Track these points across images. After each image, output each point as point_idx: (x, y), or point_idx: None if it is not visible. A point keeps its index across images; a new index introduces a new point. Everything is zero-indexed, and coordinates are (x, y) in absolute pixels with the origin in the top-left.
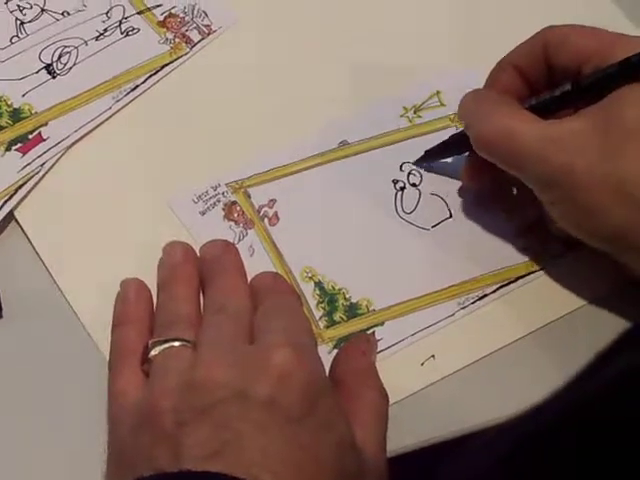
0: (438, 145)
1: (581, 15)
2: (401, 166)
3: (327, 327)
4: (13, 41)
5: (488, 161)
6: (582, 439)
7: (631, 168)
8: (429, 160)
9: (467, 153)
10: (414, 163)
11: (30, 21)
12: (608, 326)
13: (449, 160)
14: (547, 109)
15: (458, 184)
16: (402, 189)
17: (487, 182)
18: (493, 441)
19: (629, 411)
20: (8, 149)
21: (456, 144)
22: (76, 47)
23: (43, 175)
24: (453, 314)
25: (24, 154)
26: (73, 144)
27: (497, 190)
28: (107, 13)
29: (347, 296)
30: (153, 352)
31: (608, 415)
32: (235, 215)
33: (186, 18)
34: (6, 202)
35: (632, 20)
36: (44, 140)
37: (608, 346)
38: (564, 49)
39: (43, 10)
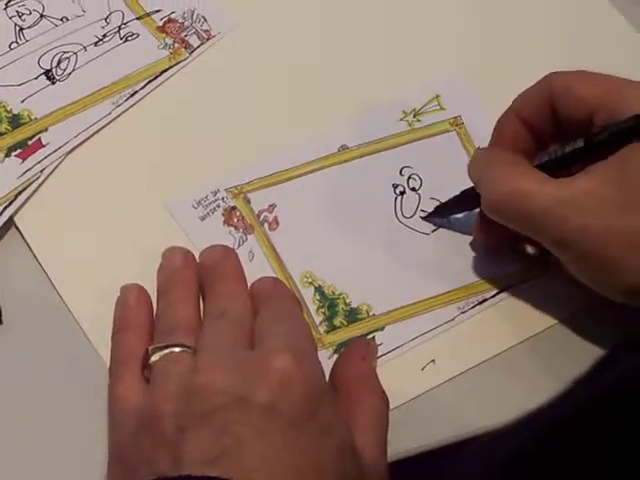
0: (449, 200)
1: (581, 20)
2: (401, 170)
3: (327, 332)
4: (12, 47)
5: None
6: (578, 445)
7: None
8: (440, 215)
9: (479, 209)
10: (424, 218)
11: (29, 27)
12: (607, 331)
13: (460, 215)
14: (558, 166)
15: (457, 189)
16: (402, 193)
17: (500, 237)
18: (490, 447)
19: (625, 418)
20: (8, 155)
21: (468, 200)
22: (75, 53)
23: (43, 181)
24: (453, 319)
25: (24, 160)
26: (73, 150)
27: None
28: (106, 19)
29: (347, 301)
30: (154, 358)
31: (604, 422)
32: (235, 220)
33: (185, 23)
34: (6, 208)
35: (633, 24)
36: (44, 146)
37: (605, 353)
38: (570, 99)
39: (42, 16)
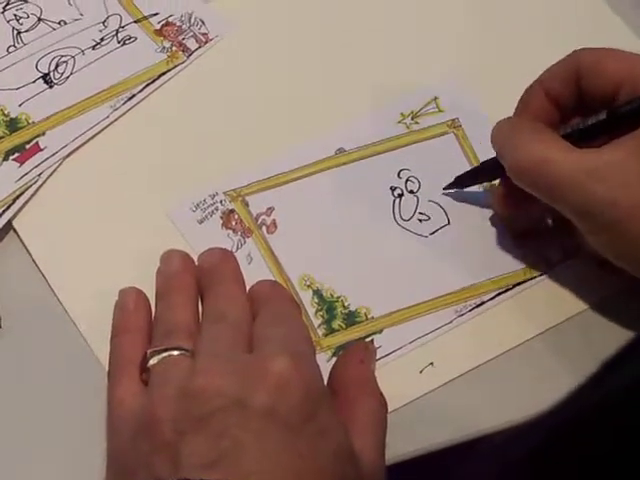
0: (468, 171)
1: (580, 23)
2: (399, 173)
3: (325, 335)
4: (10, 51)
5: (521, 189)
6: (590, 447)
7: None
8: (459, 186)
9: (498, 181)
10: (444, 189)
11: (27, 30)
12: (607, 333)
13: (479, 188)
14: (582, 137)
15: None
16: (400, 196)
17: (520, 210)
18: (503, 446)
19: (635, 420)
20: (5, 159)
21: (487, 171)
22: (73, 56)
23: (41, 185)
24: (451, 321)
25: (21, 164)
26: (70, 153)
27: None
28: (104, 22)
29: (346, 304)
30: (152, 361)
31: (612, 424)
32: (233, 223)
33: (183, 26)
34: (4, 212)
35: (632, 28)
36: (41, 150)
37: (611, 356)
38: (597, 74)
39: (40, 19)
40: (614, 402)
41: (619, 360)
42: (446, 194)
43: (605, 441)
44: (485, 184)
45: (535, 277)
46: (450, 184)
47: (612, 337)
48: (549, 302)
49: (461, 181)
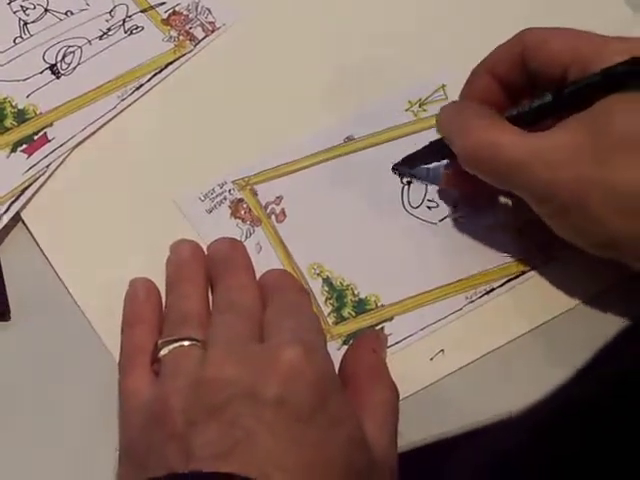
0: (417, 151)
1: (586, 13)
2: None
3: (336, 323)
4: (17, 42)
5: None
6: (579, 439)
7: (622, 177)
8: (408, 165)
9: (446, 161)
10: (393, 167)
11: (33, 21)
12: (616, 317)
13: (429, 166)
14: (528, 120)
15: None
16: (409, 183)
17: (469, 188)
18: (490, 440)
19: (628, 412)
20: (14, 150)
21: (435, 151)
22: (80, 47)
23: (49, 176)
24: (461, 308)
25: (29, 155)
26: (78, 144)
27: (480, 195)
28: (110, 12)
29: (355, 292)
30: (163, 352)
31: (608, 415)
32: (242, 212)
33: (190, 15)
34: (12, 203)
35: (629, 5)
36: (49, 141)
37: (605, 344)
38: (543, 54)
39: (46, 10)
40: (611, 393)
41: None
42: (396, 171)
43: (593, 437)
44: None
45: (545, 263)
46: (398, 163)
47: (624, 321)
48: (561, 287)
49: (409, 161)
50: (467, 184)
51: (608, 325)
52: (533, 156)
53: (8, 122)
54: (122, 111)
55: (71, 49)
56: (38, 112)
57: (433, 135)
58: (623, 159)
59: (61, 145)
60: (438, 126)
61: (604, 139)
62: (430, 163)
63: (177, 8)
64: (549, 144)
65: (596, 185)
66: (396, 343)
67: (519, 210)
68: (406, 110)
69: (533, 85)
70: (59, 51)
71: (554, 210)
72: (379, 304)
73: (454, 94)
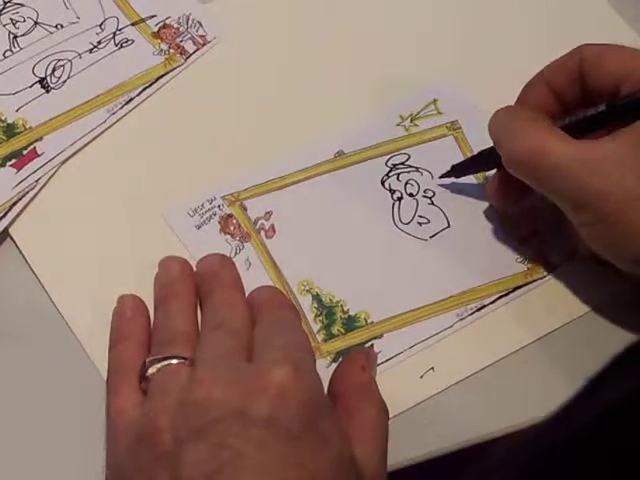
0: (465, 160)
1: (578, 18)
2: (398, 176)
3: (325, 340)
4: (6, 55)
5: (517, 180)
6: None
7: None
8: (455, 175)
9: (495, 170)
10: (439, 177)
11: (23, 34)
12: (608, 335)
13: (474, 180)
14: (580, 129)
15: (456, 194)
16: (399, 199)
17: (515, 202)
18: (504, 462)
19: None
20: (2, 165)
21: (484, 160)
22: (70, 60)
23: (38, 191)
24: (452, 325)
25: (19, 170)
26: (68, 159)
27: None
28: (101, 25)
29: (345, 309)
30: (151, 370)
31: (600, 448)
32: (231, 228)
33: (180, 29)
34: (1, 219)
35: (630, 24)
36: (39, 155)
37: (592, 377)
38: (600, 69)
39: (36, 23)
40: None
41: (620, 366)
42: (442, 185)
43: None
44: (481, 178)
45: (536, 280)
46: (446, 173)
47: (614, 340)
48: (550, 305)
49: (457, 170)
50: (511, 196)
51: (604, 339)
52: (580, 163)
53: None
54: (112, 125)
55: (61, 63)
56: (27, 126)
57: (424, 150)
58: None
59: (51, 159)
60: (489, 129)
61: None
62: (477, 172)
63: (168, 21)
64: (597, 153)
65: (638, 199)
66: (386, 361)
67: (526, 217)
68: (397, 125)
69: (588, 99)
70: (49, 65)
71: (592, 219)
72: (369, 321)
73: (446, 109)
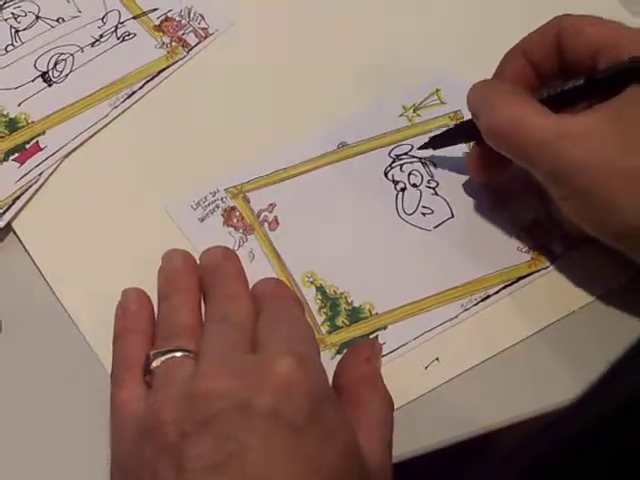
0: (443, 132)
1: (584, 9)
2: (401, 166)
3: (329, 332)
4: (8, 50)
5: (496, 152)
6: (602, 454)
7: None
8: (433, 146)
9: (473, 143)
10: (418, 148)
11: (25, 29)
12: (614, 324)
13: (455, 154)
14: (559, 103)
15: (459, 184)
16: (403, 190)
17: (494, 175)
18: (512, 455)
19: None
20: (5, 159)
21: (462, 132)
22: (72, 54)
23: (41, 185)
24: (457, 316)
25: (21, 164)
26: (70, 152)
27: (502, 185)
28: (103, 19)
29: (349, 300)
30: (155, 363)
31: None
32: (235, 221)
33: (182, 21)
34: (4, 213)
35: (627, 8)
36: (41, 149)
37: (606, 370)
38: (578, 40)
39: (38, 17)
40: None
41: (631, 356)
42: (425, 157)
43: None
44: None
45: (540, 270)
46: (424, 144)
47: (622, 330)
48: (555, 294)
49: (436, 142)
50: (492, 170)
51: (610, 328)
52: (560, 136)
53: None
54: (114, 119)
55: (63, 56)
56: (30, 120)
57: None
58: None
59: (53, 153)
60: (467, 102)
61: (630, 128)
62: (455, 144)
63: (170, 14)
64: (577, 127)
65: (619, 172)
66: (391, 352)
67: (529, 207)
68: (400, 115)
69: (566, 71)
70: (51, 59)
71: (572, 192)
72: (373, 312)
73: (449, 99)
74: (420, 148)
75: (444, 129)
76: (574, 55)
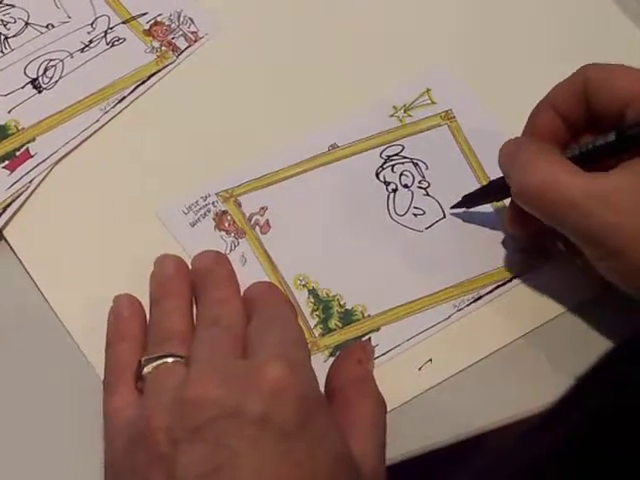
0: (477, 190)
1: (582, 15)
2: (393, 167)
3: (322, 335)
4: None
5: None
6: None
7: None
8: (467, 205)
9: (509, 200)
10: (451, 208)
11: (14, 35)
12: (604, 324)
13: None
14: (590, 159)
15: (450, 184)
16: (394, 191)
17: (531, 230)
18: (495, 464)
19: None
20: None
21: (496, 190)
22: (61, 60)
23: (32, 192)
24: (449, 317)
25: (12, 171)
26: (61, 159)
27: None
28: (92, 24)
29: (342, 302)
30: (146, 369)
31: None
32: (226, 225)
33: (172, 26)
34: None
35: (633, 19)
36: (32, 156)
37: (569, 388)
38: (605, 93)
39: (27, 24)
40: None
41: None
42: (454, 214)
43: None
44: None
45: (532, 269)
46: (457, 203)
47: (616, 326)
48: (547, 294)
49: (468, 200)
50: (528, 224)
51: (601, 329)
52: (591, 196)
53: None
54: (105, 124)
55: (53, 63)
56: (20, 127)
57: (418, 141)
58: None
59: (44, 160)
60: (499, 162)
61: None
62: (489, 202)
63: (159, 18)
64: (608, 186)
65: None
66: (384, 353)
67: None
68: (391, 116)
69: (595, 121)
70: (40, 65)
71: (605, 254)
72: (366, 314)
73: (439, 98)
74: (453, 207)
75: (476, 188)
76: (602, 107)
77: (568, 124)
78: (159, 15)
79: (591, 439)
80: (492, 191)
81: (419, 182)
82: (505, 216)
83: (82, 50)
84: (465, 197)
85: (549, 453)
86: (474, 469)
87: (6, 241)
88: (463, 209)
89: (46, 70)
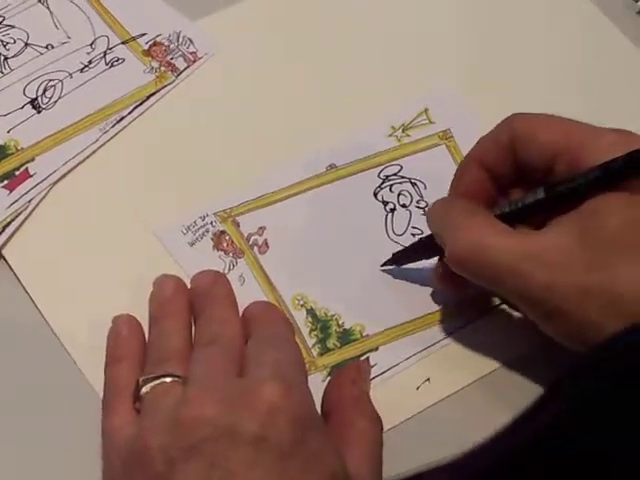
0: (406, 248)
1: (582, 34)
2: (391, 187)
3: (321, 354)
4: None
5: None
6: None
7: (621, 281)
8: (397, 263)
9: (438, 258)
10: (381, 266)
11: (14, 56)
12: None
13: (419, 265)
14: (519, 217)
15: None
16: (392, 210)
17: (463, 286)
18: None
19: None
20: None
21: (425, 248)
22: (61, 80)
23: (31, 211)
24: (447, 336)
25: (11, 191)
26: (60, 178)
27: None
28: (91, 44)
29: (340, 322)
30: (144, 389)
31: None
32: (224, 245)
33: (171, 46)
34: None
35: (633, 41)
36: (31, 176)
37: (531, 402)
38: (533, 145)
39: (27, 44)
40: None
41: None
42: (384, 271)
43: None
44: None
45: None
46: (387, 261)
47: None
48: None
49: (398, 258)
50: (459, 282)
51: None
52: (522, 259)
53: None
54: (104, 144)
55: (52, 83)
56: (19, 147)
57: (416, 161)
58: (620, 261)
59: (43, 180)
60: (428, 224)
61: (597, 241)
62: (420, 260)
63: (158, 39)
64: (539, 246)
65: (594, 292)
66: (382, 373)
67: None
68: (389, 135)
69: (524, 175)
70: (40, 85)
71: (547, 313)
72: (364, 334)
73: (437, 118)
74: (383, 265)
75: (407, 245)
76: (530, 161)
77: (496, 178)
78: (158, 35)
79: (559, 437)
80: (422, 248)
81: (417, 202)
82: (435, 275)
83: (81, 70)
84: (395, 254)
85: (520, 448)
86: (448, 465)
87: (5, 260)
88: (394, 266)
89: (45, 90)
